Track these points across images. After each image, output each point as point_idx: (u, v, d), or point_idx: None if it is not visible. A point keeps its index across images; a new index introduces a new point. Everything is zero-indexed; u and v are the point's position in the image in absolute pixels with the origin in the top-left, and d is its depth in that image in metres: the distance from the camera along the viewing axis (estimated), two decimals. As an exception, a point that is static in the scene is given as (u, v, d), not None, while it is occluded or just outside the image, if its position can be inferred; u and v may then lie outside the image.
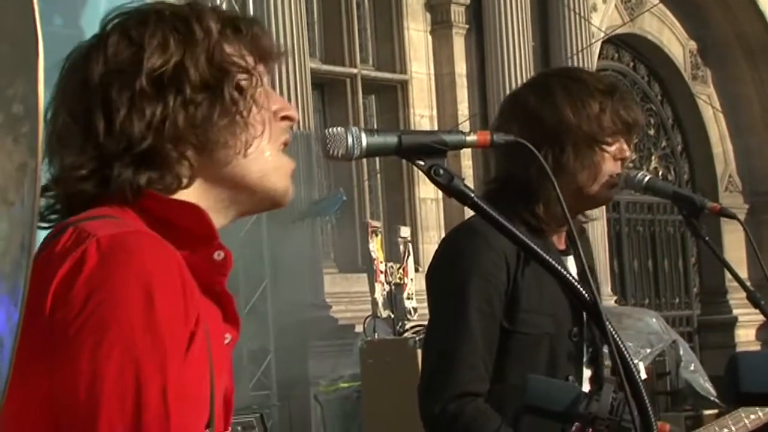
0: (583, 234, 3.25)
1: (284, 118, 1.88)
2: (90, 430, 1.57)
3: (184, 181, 1.79)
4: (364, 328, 9.69)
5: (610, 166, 3.11)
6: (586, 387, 3.05)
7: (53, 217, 1.82)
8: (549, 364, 3.04)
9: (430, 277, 3.16)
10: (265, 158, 1.84)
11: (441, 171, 2.04)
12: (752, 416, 3.32)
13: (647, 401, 2.01)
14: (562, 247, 3.15)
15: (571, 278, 2.06)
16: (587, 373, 3.12)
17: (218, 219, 1.83)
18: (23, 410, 1.62)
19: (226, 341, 1.78)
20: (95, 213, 1.74)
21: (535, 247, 2.07)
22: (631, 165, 3.30)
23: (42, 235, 1.74)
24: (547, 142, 3.01)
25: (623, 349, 2.00)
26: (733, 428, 3.27)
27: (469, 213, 2.38)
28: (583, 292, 2.03)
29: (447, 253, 3.13)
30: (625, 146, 3.13)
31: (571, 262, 3.12)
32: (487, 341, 3.00)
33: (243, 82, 1.83)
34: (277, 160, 1.86)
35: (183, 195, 1.80)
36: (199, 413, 1.67)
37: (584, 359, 3.12)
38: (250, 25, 1.89)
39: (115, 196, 1.76)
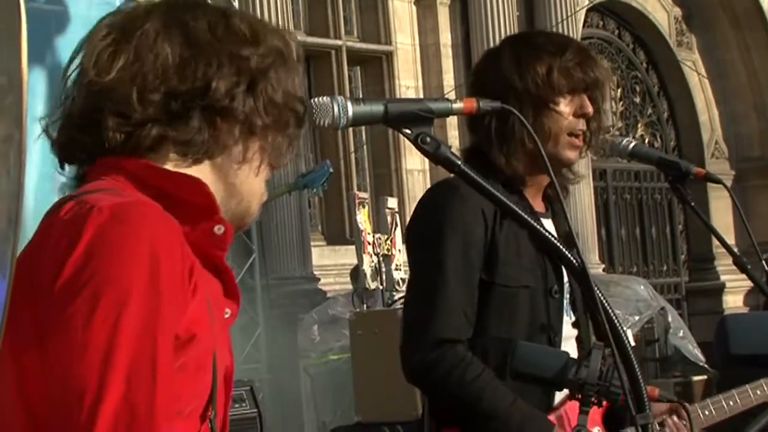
0: (567, 194, 3.26)
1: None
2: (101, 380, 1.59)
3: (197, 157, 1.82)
4: (353, 300, 9.68)
5: (566, 124, 3.10)
6: (568, 347, 3.06)
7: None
8: (530, 319, 3.05)
9: (408, 235, 3.21)
10: (252, 180, 1.88)
11: (428, 139, 2.05)
12: (758, 392, 3.30)
13: (637, 367, 2.02)
14: (540, 209, 3.16)
15: (558, 244, 2.07)
16: (572, 332, 3.13)
17: None
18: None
19: (227, 315, 1.79)
20: (95, 187, 1.74)
21: (525, 215, 2.08)
22: (617, 132, 3.28)
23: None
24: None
25: (612, 314, 2.01)
26: (738, 401, 3.26)
27: (456, 181, 2.38)
28: (571, 257, 2.03)
29: (423, 210, 3.15)
30: (586, 102, 3.12)
31: (549, 225, 3.14)
32: (467, 291, 3.00)
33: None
34: (260, 186, 1.90)
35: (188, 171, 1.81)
36: (196, 380, 1.67)
37: (567, 318, 3.12)
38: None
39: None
